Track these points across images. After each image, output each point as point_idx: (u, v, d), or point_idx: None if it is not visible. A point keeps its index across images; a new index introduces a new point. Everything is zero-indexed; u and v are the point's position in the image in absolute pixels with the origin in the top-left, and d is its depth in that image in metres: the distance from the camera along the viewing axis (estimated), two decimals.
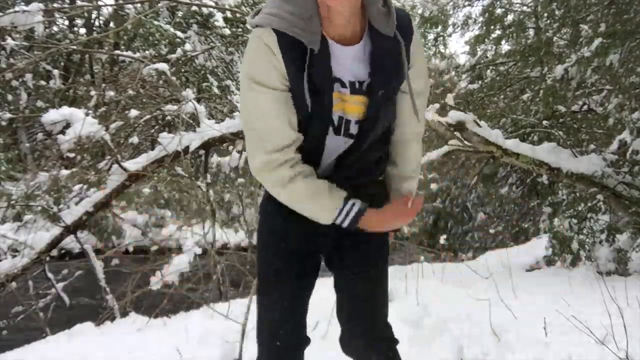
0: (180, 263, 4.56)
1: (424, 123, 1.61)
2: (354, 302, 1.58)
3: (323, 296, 4.94)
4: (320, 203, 1.38)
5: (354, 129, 1.42)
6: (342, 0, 1.26)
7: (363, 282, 1.56)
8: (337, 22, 1.32)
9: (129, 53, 8.68)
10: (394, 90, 1.43)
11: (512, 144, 5.16)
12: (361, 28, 1.36)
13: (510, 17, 8.36)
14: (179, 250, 4.82)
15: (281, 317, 1.52)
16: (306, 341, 1.57)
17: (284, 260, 1.53)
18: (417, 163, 1.60)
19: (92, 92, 11.08)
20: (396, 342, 1.60)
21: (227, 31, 12.04)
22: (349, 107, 1.40)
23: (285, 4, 1.30)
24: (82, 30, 15.06)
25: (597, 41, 5.20)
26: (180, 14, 12.08)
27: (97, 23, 15.10)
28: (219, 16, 11.89)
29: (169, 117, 6.47)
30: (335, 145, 1.43)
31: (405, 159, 1.57)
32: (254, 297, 3.53)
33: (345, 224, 1.39)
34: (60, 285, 4.84)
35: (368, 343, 1.57)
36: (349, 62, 1.36)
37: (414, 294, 3.85)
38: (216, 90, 11.22)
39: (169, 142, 4.99)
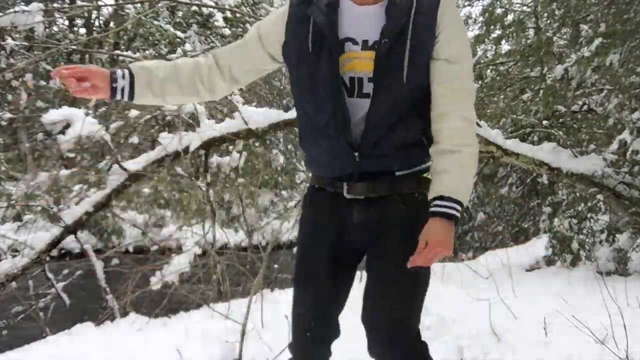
0: (180, 263, 4.56)
1: (467, 95, 1.41)
2: (367, 299, 1.51)
3: None
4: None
5: (367, 88, 1.41)
6: None
7: (379, 277, 1.49)
8: None
9: (129, 53, 8.67)
10: (406, 47, 1.37)
11: (512, 144, 5.16)
12: None
13: (510, 17, 8.36)
14: (179, 250, 4.83)
15: (306, 310, 1.55)
16: (335, 334, 1.58)
17: (313, 254, 1.55)
18: (458, 137, 1.38)
19: None
20: (417, 352, 1.50)
21: (227, 31, 12.04)
22: (360, 64, 1.40)
23: None
24: (82, 30, 15.04)
25: (597, 41, 5.20)
26: (180, 14, 12.08)
27: (97, 23, 15.09)
28: (219, 16, 11.89)
29: (169, 117, 6.47)
30: (356, 110, 1.41)
31: (442, 132, 1.40)
32: (254, 297, 3.53)
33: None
34: (60, 285, 4.84)
35: (382, 347, 1.47)
36: (363, 21, 1.39)
37: None
38: None
39: (169, 142, 5.00)
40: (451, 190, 1.37)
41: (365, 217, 1.47)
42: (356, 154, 1.41)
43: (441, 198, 1.37)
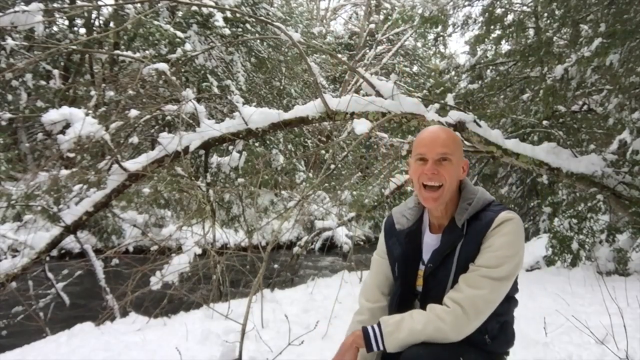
0: (180, 263, 4.56)
1: (467, 295, 1.51)
2: None
3: (324, 296, 4.92)
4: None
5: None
6: (429, 204, 1.61)
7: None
8: (434, 213, 1.65)
9: (129, 53, 8.67)
10: (443, 271, 1.57)
11: (512, 144, 5.16)
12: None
13: (510, 17, 8.35)
14: (179, 250, 4.82)
15: None
16: None
17: None
18: (442, 309, 1.51)
19: (92, 92, 11.10)
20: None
21: (227, 31, 12.05)
22: (419, 280, 1.65)
23: (410, 198, 1.77)
24: (82, 30, 15.05)
25: (597, 41, 5.20)
26: (180, 14, 12.09)
27: (97, 23, 15.09)
28: (219, 16, 11.90)
29: (169, 117, 6.46)
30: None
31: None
32: (254, 297, 3.53)
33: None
34: (60, 285, 4.84)
35: None
36: (431, 247, 1.64)
37: None
38: (216, 90, 11.23)
39: (169, 142, 4.99)
40: (388, 325, 1.52)
41: None
42: None
43: (380, 322, 1.54)
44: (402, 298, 1.64)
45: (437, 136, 1.60)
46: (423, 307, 1.58)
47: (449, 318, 1.48)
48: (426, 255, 1.64)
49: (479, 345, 1.55)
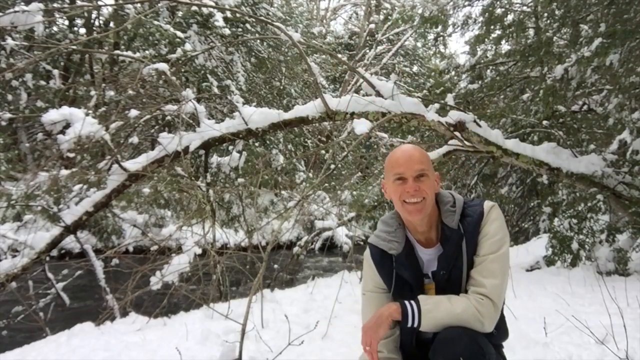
0: (180, 263, 4.56)
1: (490, 286, 1.59)
2: None
3: (324, 296, 4.91)
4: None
5: None
6: (415, 216, 1.62)
7: None
8: (419, 229, 1.68)
9: (129, 53, 8.67)
10: (456, 272, 1.64)
11: (512, 144, 5.16)
12: (439, 228, 1.68)
13: (510, 17, 8.33)
14: (179, 250, 4.82)
15: None
16: None
17: None
18: (479, 301, 1.57)
19: (92, 92, 11.11)
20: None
21: (227, 31, 12.06)
22: (432, 293, 1.68)
23: (381, 224, 1.76)
24: (82, 30, 15.05)
25: (597, 41, 5.20)
26: (180, 14, 12.09)
27: (97, 23, 15.09)
28: (219, 16, 11.91)
29: (169, 117, 6.46)
30: None
31: (471, 292, 1.62)
32: (254, 297, 3.53)
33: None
34: (60, 285, 4.84)
35: None
36: (431, 260, 1.69)
37: None
38: (216, 90, 11.24)
39: (169, 142, 4.99)
40: (427, 303, 1.56)
41: None
42: None
43: (418, 300, 1.58)
44: None
45: (411, 154, 1.67)
46: None
47: (485, 310, 1.54)
48: (428, 269, 1.69)
49: (487, 338, 1.58)
